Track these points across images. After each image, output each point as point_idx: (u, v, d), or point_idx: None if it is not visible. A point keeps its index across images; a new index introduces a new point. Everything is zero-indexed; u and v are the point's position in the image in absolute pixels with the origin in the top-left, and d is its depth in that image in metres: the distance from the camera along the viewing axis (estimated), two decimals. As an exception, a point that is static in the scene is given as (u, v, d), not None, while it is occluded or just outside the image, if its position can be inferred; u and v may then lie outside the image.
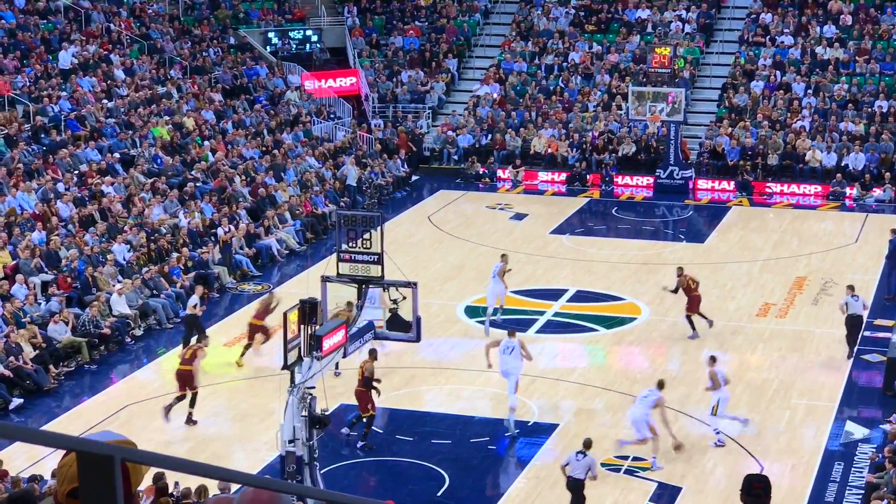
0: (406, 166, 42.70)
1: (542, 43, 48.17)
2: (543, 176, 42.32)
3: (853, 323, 26.38)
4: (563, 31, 48.51)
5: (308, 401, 18.26)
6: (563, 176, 42.08)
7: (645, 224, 37.93)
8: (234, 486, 15.45)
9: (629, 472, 21.34)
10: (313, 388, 18.34)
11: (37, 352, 25.35)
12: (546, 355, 26.22)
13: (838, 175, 40.43)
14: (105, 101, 38.05)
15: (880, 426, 22.97)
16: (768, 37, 46.95)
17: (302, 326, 18.13)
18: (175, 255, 31.03)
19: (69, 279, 28.35)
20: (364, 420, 22.29)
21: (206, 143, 38.46)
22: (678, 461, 21.60)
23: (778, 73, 45.20)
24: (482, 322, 28.01)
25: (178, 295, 29.51)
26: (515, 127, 44.31)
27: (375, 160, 41.96)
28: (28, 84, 36.80)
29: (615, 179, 41.81)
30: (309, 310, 18.13)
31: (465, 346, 27.19)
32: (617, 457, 21.63)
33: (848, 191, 39.90)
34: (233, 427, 23.45)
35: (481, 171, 42.53)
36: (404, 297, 19.72)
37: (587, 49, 47.61)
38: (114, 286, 28.50)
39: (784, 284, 31.37)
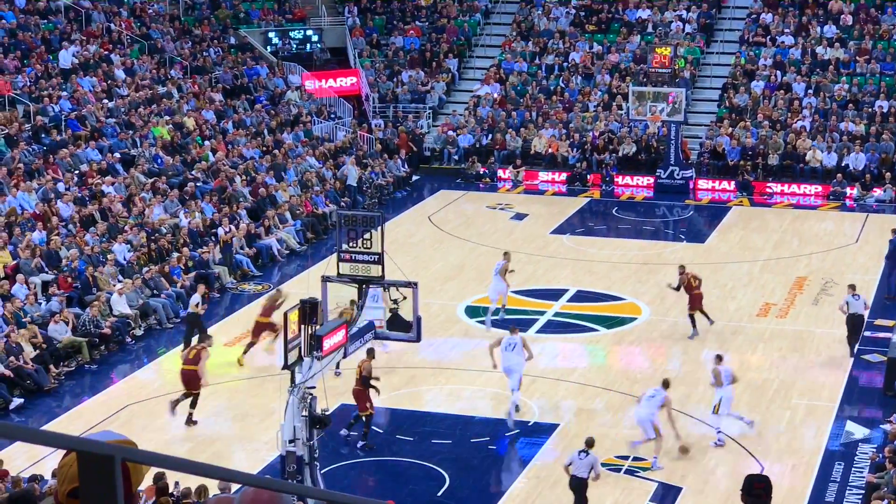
0: (406, 166, 42.71)
1: (543, 43, 48.18)
2: (544, 176, 42.32)
3: (854, 322, 26.40)
4: (564, 31, 48.51)
5: (308, 401, 18.27)
6: (564, 176, 42.08)
7: (645, 224, 37.93)
8: (235, 486, 15.46)
9: (630, 472, 21.34)
10: (314, 387, 18.34)
11: (37, 352, 25.36)
12: (546, 355, 26.22)
13: (839, 175, 40.43)
14: (105, 100, 38.05)
15: (880, 426, 22.97)
16: (769, 37, 46.95)
17: (302, 326, 18.14)
18: (175, 254, 31.03)
19: (70, 279, 28.35)
20: (363, 419, 22.29)
21: (207, 142, 38.47)
22: (679, 461, 21.60)
23: (778, 73, 45.21)
24: (482, 322, 28.02)
25: (179, 295, 29.52)
26: (516, 127, 44.31)
27: (376, 160, 41.97)
28: (28, 84, 36.81)
29: (615, 179, 41.80)
30: (309, 310, 18.14)
31: (466, 346, 27.19)
32: (617, 457, 21.64)
33: (848, 191, 39.90)
34: (233, 427, 23.45)
35: (482, 171, 42.53)
36: (405, 297, 19.73)
37: (588, 49, 47.61)
38: (114, 286, 28.50)
39: (784, 284, 31.37)
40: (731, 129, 42.79)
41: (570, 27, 48.82)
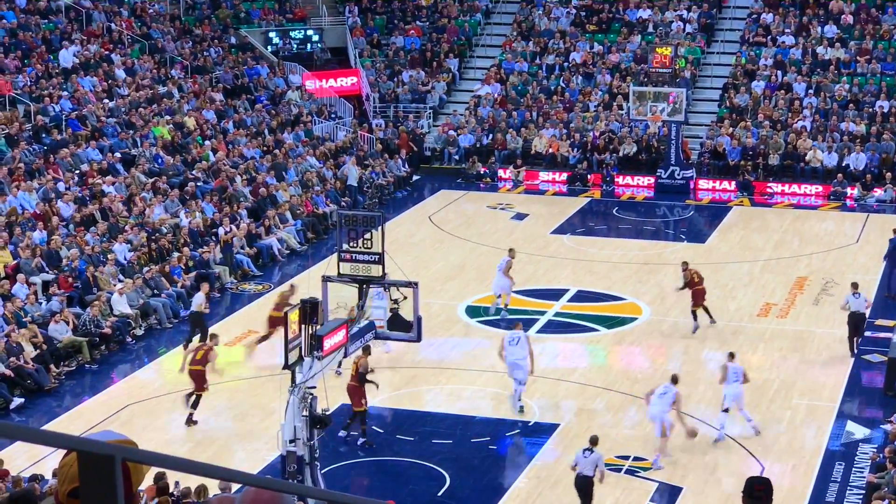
0: (407, 166, 42.70)
1: (543, 43, 48.17)
2: (544, 176, 42.31)
3: (855, 321, 26.41)
4: (564, 31, 48.50)
5: (309, 400, 18.27)
6: (564, 176, 42.07)
7: (646, 224, 37.92)
8: (235, 486, 15.46)
9: (630, 471, 21.34)
10: (314, 387, 18.34)
11: (38, 351, 25.35)
12: (547, 355, 26.22)
13: (839, 175, 40.42)
14: (106, 100, 38.05)
15: (881, 426, 22.97)
16: (769, 37, 46.94)
17: (303, 326, 18.14)
18: (176, 254, 31.03)
19: (70, 279, 28.35)
20: (357, 416, 22.29)
21: (207, 142, 38.46)
22: (679, 461, 21.61)
23: (779, 73, 45.20)
24: (483, 322, 28.03)
25: (179, 294, 29.53)
26: (516, 127, 44.30)
27: (376, 160, 41.96)
28: (29, 83, 36.80)
29: (616, 179, 41.79)
30: (310, 309, 18.14)
31: (466, 345, 27.20)
32: (618, 457, 21.63)
33: (849, 191, 39.89)
34: (234, 427, 23.45)
35: (482, 170, 42.52)
36: (405, 297, 19.73)
37: (588, 49, 47.60)
38: (115, 286, 28.50)
39: (785, 284, 31.36)
40: (731, 129, 42.78)
41: (571, 27, 48.81)
